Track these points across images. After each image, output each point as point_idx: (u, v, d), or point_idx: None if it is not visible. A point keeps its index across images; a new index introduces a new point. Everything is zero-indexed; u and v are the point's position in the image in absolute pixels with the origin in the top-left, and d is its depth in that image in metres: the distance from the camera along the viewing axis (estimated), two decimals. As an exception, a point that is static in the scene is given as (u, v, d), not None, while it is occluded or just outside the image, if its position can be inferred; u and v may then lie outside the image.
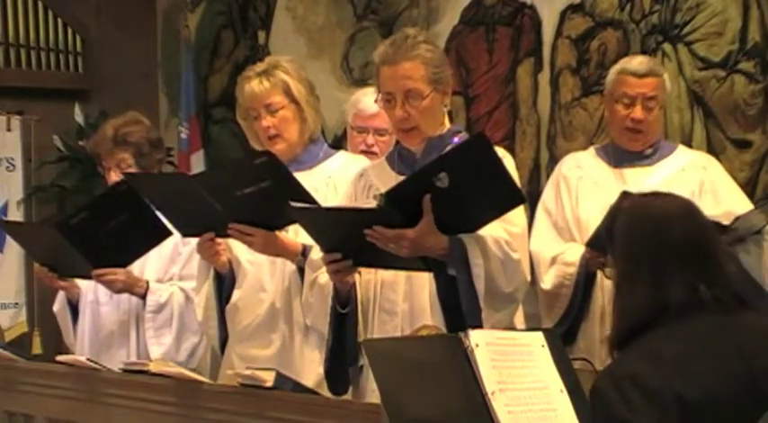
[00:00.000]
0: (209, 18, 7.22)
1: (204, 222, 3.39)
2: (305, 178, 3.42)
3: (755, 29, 4.81)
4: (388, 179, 3.20)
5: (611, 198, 3.62)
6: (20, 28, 6.97)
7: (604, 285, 3.73)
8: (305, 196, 3.17)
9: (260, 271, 3.53)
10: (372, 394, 2.94)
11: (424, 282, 3.11)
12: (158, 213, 3.63)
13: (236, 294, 3.58)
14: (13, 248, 6.52)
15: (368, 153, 3.91)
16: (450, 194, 2.90)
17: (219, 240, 3.48)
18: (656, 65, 3.98)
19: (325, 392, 3.17)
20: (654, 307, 2.38)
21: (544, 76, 5.56)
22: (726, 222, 3.48)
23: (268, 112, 3.52)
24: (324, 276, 3.20)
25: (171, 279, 3.93)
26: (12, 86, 6.93)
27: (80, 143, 7.01)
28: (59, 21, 7.14)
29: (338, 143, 5.36)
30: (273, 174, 3.19)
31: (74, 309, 4.00)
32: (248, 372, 2.92)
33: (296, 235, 3.40)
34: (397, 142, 3.32)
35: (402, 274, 3.15)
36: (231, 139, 6.93)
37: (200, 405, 3.00)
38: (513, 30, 5.68)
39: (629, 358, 2.37)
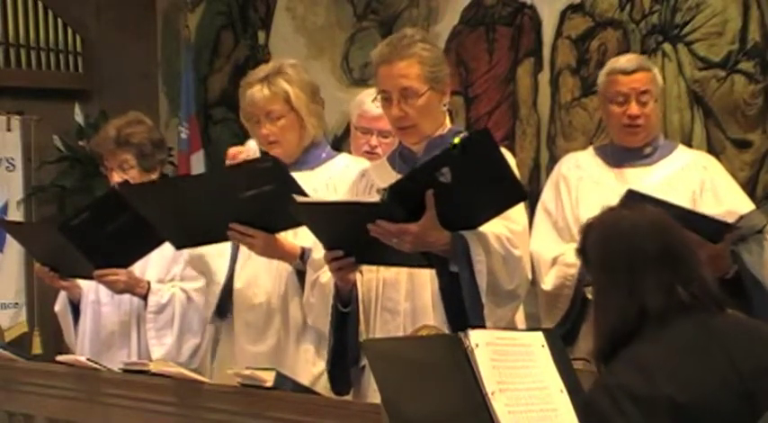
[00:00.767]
0: (209, 18, 7.22)
1: (203, 227, 3.38)
2: (306, 179, 3.42)
3: (755, 29, 4.81)
4: (390, 179, 3.20)
5: (612, 198, 3.63)
6: (20, 28, 6.97)
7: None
8: None
9: (256, 265, 3.53)
10: (374, 395, 2.94)
11: (426, 281, 3.11)
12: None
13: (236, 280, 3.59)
14: (14, 248, 6.53)
15: (371, 154, 3.91)
16: (452, 190, 2.90)
17: None
18: (644, 60, 3.97)
19: (320, 392, 3.17)
20: (632, 316, 2.39)
21: (544, 76, 5.56)
22: (730, 221, 3.48)
23: (268, 119, 3.52)
24: (325, 276, 3.21)
25: (172, 279, 3.93)
26: (12, 86, 6.93)
27: (80, 143, 7.01)
28: (59, 21, 7.14)
29: (338, 143, 5.37)
30: (277, 178, 3.19)
31: (75, 309, 3.99)
32: (248, 372, 2.92)
33: (295, 236, 3.40)
34: (400, 143, 3.32)
35: (404, 273, 3.15)
36: (231, 139, 6.91)
37: (200, 405, 3.00)
38: (513, 30, 5.68)
39: (617, 370, 2.38)
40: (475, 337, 2.45)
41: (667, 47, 5.07)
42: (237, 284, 3.56)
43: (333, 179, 3.56)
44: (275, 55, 6.68)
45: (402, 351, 2.49)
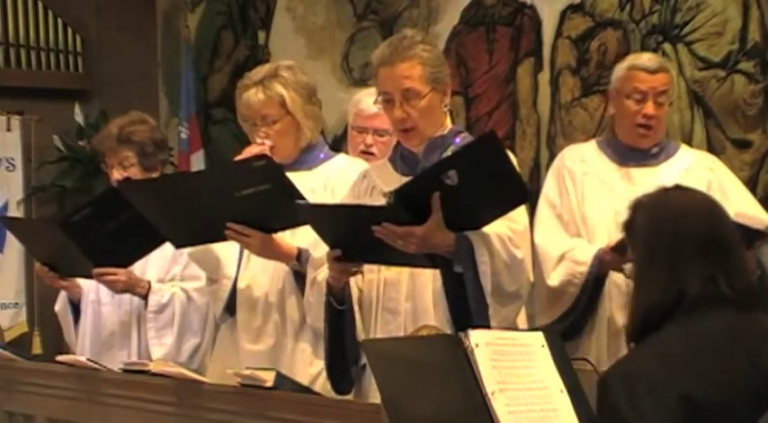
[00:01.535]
0: (209, 18, 7.22)
1: (202, 226, 3.38)
2: (304, 179, 3.42)
3: (755, 29, 4.81)
4: (392, 180, 3.21)
5: (620, 199, 3.63)
6: (20, 28, 6.97)
7: (611, 289, 3.72)
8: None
9: (254, 264, 3.53)
10: (375, 394, 2.93)
11: (427, 281, 3.12)
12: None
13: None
14: (14, 248, 6.53)
15: (366, 153, 3.91)
16: (458, 192, 2.91)
17: None
18: (664, 62, 3.97)
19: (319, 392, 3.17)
20: (670, 299, 2.37)
21: (544, 76, 5.56)
22: (760, 227, 3.47)
23: (264, 123, 3.52)
24: (322, 274, 3.21)
25: (172, 279, 3.93)
26: (12, 86, 6.92)
27: (80, 143, 7.01)
28: (59, 21, 7.14)
29: (338, 143, 5.36)
30: (272, 177, 3.19)
31: (75, 308, 4.00)
32: (248, 372, 2.92)
33: (292, 236, 3.40)
34: (398, 143, 3.32)
35: (405, 273, 3.15)
36: (231, 139, 6.92)
37: (200, 405, 3.00)
38: (513, 30, 5.68)
39: (641, 355, 2.37)
40: (475, 337, 2.45)
41: (667, 47, 5.07)
42: (240, 284, 3.56)
43: (331, 180, 3.55)
44: (275, 55, 6.68)
45: (402, 351, 2.49)
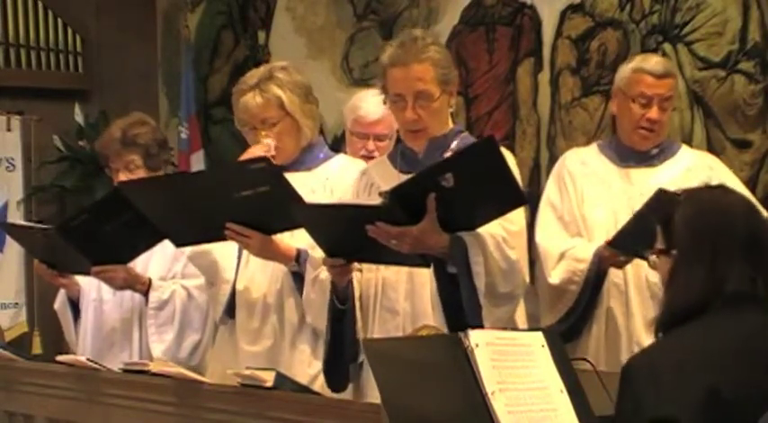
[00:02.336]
0: (209, 18, 7.23)
1: (202, 226, 3.38)
2: (303, 179, 3.42)
3: (755, 29, 4.81)
4: (391, 178, 3.21)
5: (619, 198, 3.64)
6: (20, 28, 6.97)
7: (610, 288, 3.73)
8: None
9: (253, 265, 3.53)
10: (372, 392, 2.94)
11: (426, 281, 3.12)
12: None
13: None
14: (14, 248, 6.52)
15: (368, 158, 3.92)
16: (454, 194, 2.91)
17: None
18: (671, 66, 3.96)
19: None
20: (707, 295, 2.37)
21: (544, 76, 5.56)
22: None
23: (263, 126, 3.52)
24: (324, 273, 3.21)
25: (174, 277, 3.93)
26: (12, 86, 6.93)
27: (80, 143, 7.02)
28: (59, 21, 7.14)
29: (338, 144, 5.36)
30: (270, 179, 3.19)
31: (74, 307, 4.00)
32: (248, 372, 2.92)
33: (291, 237, 3.40)
34: (398, 141, 3.32)
35: (404, 273, 3.15)
36: (231, 139, 6.92)
37: (200, 405, 3.00)
38: (513, 30, 5.68)
39: (671, 344, 2.37)
40: (475, 337, 2.45)
41: (667, 47, 5.07)
42: (238, 285, 3.56)
43: (330, 180, 3.56)
44: (275, 55, 6.68)
45: (402, 351, 2.49)
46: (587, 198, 3.84)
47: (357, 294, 3.21)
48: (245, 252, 3.52)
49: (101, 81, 7.29)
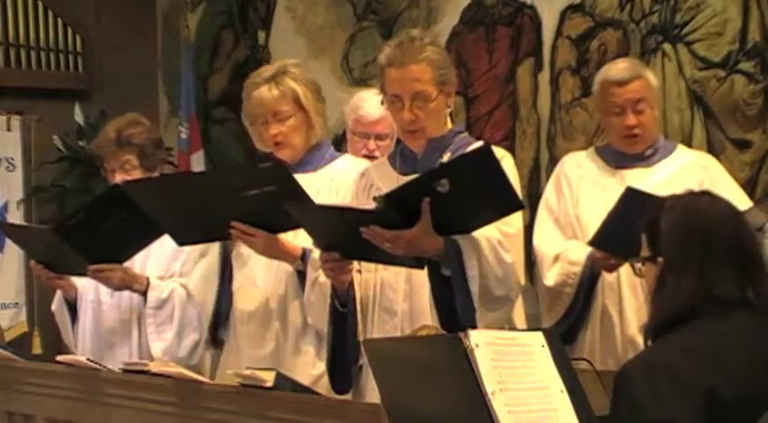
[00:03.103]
0: (209, 18, 7.23)
1: (206, 225, 3.38)
2: (309, 181, 3.42)
3: (755, 29, 4.81)
4: (390, 179, 3.21)
5: (611, 198, 3.63)
6: (20, 28, 6.98)
7: (605, 287, 3.74)
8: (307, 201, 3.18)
9: (255, 264, 3.53)
10: (372, 394, 2.94)
11: (424, 281, 3.11)
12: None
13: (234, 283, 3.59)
14: (13, 248, 6.52)
15: (369, 158, 3.92)
16: (449, 199, 2.90)
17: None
18: (636, 66, 3.90)
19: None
20: (697, 300, 2.38)
21: (544, 76, 5.56)
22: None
23: (276, 119, 3.51)
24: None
25: (172, 276, 3.92)
26: (12, 86, 6.93)
27: (80, 143, 7.02)
28: (59, 21, 7.14)
29: (338, 143, 5.36)
30: (278, 178, 3.19)
31: (71, 308, 3.99)
32: (248, 372, 2.92)
33: (295, 236, 3.40)
34: (398, 142, 3.32)
35: (402, 273, 3.15)
36: (231, 139, 6.93)
37: (200, 405, 3.00)
38: (513, 30, 5.68)
39: (665, 348, 2.38)
40: (475, 337, 2.45)
41: (667, 47, 5.07)
42: (236, 286, 3.56)
43: (335, 181, 3.55)
44: (275, 55, 6.68)
45: (402, 351, 2.49)
46: (582, 199, 3.85)
47: (358, 297, 3.21)
48: (236, 260, 3.53)
49: (101, 81, 7.30)
